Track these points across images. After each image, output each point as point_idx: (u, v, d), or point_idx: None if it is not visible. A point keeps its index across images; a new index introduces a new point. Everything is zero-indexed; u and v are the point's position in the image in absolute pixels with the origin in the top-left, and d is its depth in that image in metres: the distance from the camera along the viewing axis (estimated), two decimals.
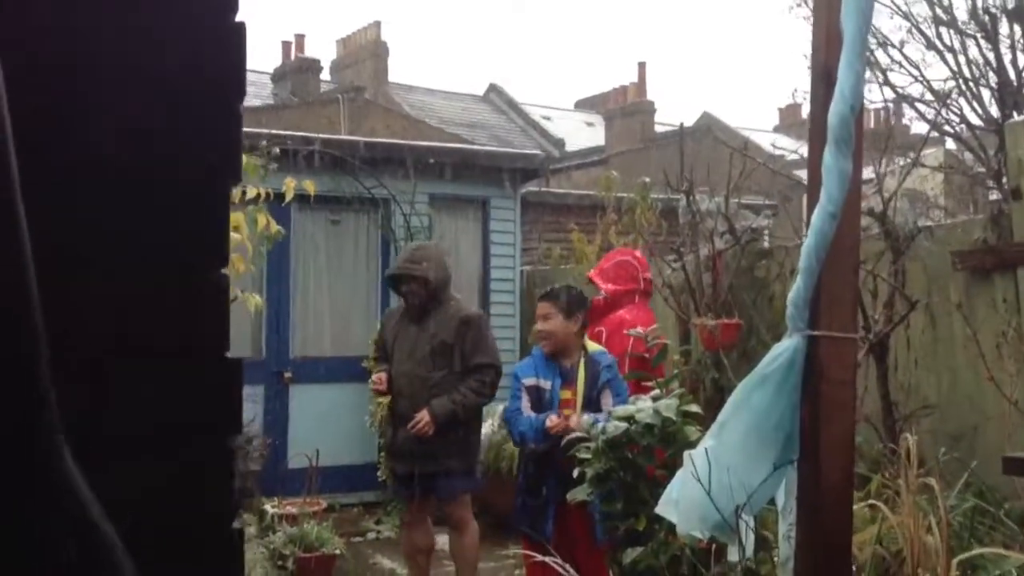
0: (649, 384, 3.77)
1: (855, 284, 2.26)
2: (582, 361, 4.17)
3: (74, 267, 0.79)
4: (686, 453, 2.37)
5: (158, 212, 0.80)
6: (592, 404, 3.99)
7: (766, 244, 7.00)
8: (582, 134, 25.06)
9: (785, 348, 2.21)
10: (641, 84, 24.54)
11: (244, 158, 3.63)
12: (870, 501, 3.14)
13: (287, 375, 7.11)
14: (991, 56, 14.48)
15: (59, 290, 0.73)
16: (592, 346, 4.29)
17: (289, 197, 4.19)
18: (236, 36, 0.81)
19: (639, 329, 4.06)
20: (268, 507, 5.73)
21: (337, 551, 5.23)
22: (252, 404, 6.36)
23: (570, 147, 22.92)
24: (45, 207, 0.71)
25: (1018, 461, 2.68)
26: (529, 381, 4.22)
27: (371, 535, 6.51)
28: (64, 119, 0.75)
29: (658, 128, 22.65)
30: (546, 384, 4.17)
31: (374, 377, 4.88)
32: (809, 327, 2.18)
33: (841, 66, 2.17)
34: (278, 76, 20.72)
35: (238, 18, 0.82)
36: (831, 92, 2.18)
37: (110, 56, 0.76)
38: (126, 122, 0.77)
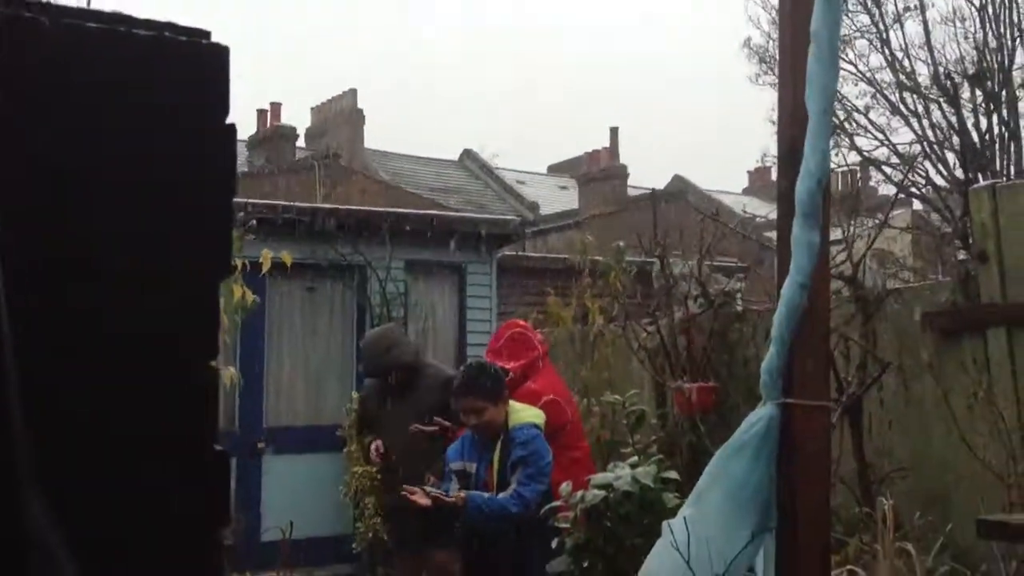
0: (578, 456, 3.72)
1: (827, 352, 2.30)
2: (501, 439, 3.97)
3: (68, 359, 0.80)
4: (664, 523, 2.37)
5: (154, 308, 0.82)
6: (506, 485, 3.83)
7: (739, 307, 7.06)
8: (556, 198, 25.35)
9: (760, 417, 2.24)
10: (613, 148, 24.95)
11: None
12: (848, 567, 3.15)
13: (260, 445, 7.02)
14: (954, 120, 14.98)
15: (55, 377, 0.75)
16: (517, 417, 4.03)
17: (266, 268, 4.21)
18: (228, 138, 0.85)
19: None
20: None
21: None
22: None
23: (545, 211, 23.15)
24: (45, 300, 0.73)
25: (993, 524, 2.70)
26: (456, 466, 4.06)
27: None
28: (67, 222, 0.77)
29: (631, 191, 22.97)
30: (471, 467, 4.00)
31: (373, 447, 5.08)
32: (783, 395, 2.22)
33: (807, 143, 2.25)
34: (254, 144, 20.88)
35: (229, 120, 0.85)
36: (798, 167, 2.25)
37: (112, 162, 0.79)
38: (126, 224, 0.80)
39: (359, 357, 7.75)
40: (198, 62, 0.84)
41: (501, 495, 3.80)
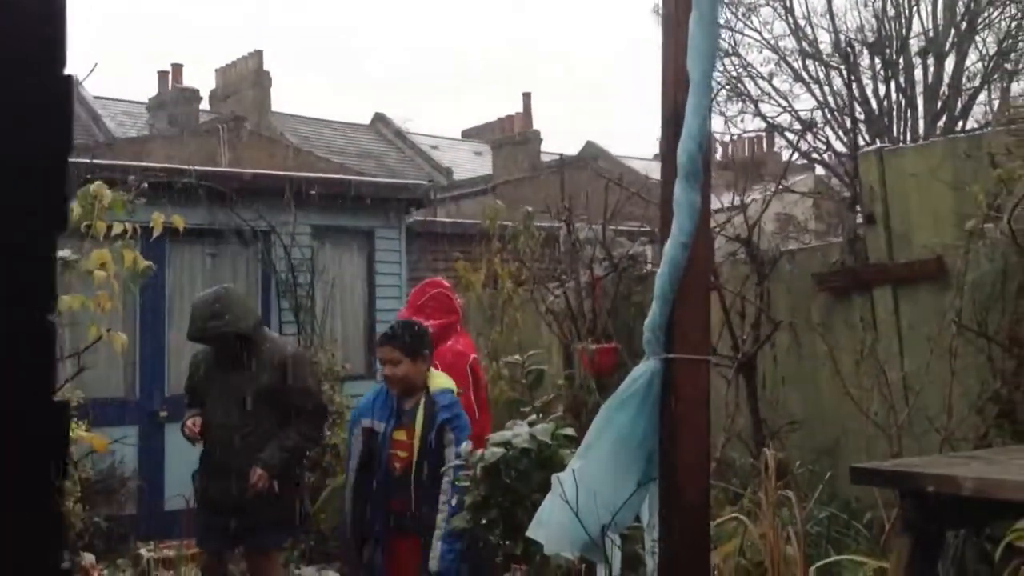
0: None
1: (707, 309, 2.39)
2: (422, 401, 3.99)
3: None
4: (554, 476, 2.44)
5: None
6: (429, 445, 3.86)
7: (648, 268, 7.22)
8: (470, 163, 25.27)
9: (643, 371, 2.32)
10: (527, 114, 24.97)
11: (110, 194, 3.55)
12: (733, 514, 3.29)
13: (162, 414, 6.88)
14: (854, 87, 15.45)
15: None
16: (436, 383, 4.10)
17: (157, 232, 4.09)
18: (64, 89, 0.84)
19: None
20: (144, 551, 5.54)
21: None
22: (124, 445, 6.13)
23: (458, 176, 23.08)
24: None
25: (865, 471, 2.86)
26: (365, 423, 4.05)
27: None
28: None
29: (544, 157, 23.05)
30: (379, 426, 4.00)
31: (188, 422, 4.47)
32: (665, 350, 2.30)
33: (688, 107, 2.31)
34: (155, 106, 20.21)
35: (66, 71, 0.84)
36: (680, 131, 2.31)
37: None
38: None
39: (264, 321, 7.65)
40: (32, 8, 0.82)
41: (441, 515, 3.74)
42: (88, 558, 3.91)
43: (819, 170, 17.58)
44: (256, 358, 4.46)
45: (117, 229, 3.73)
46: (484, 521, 3.32)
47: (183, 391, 4.84)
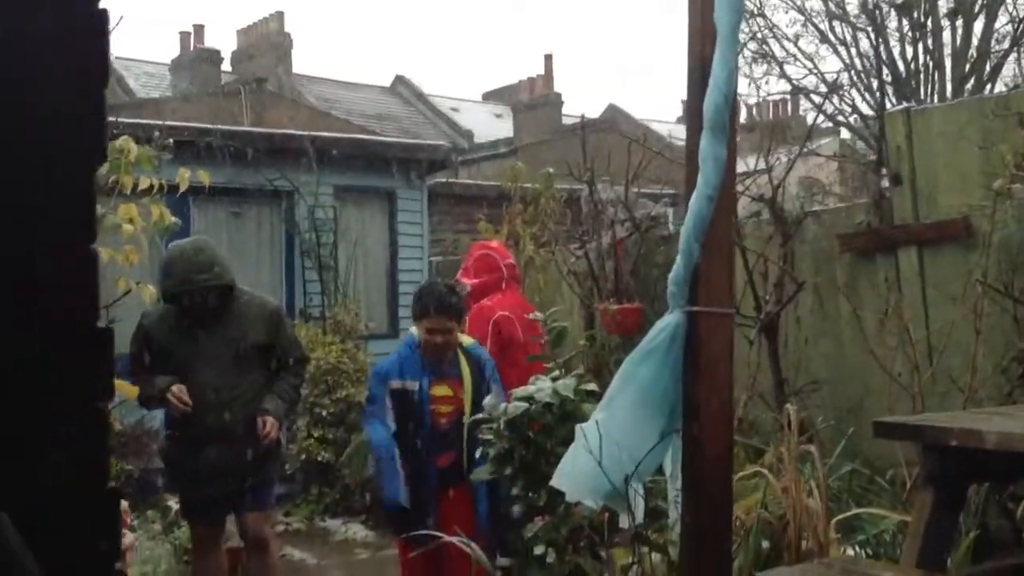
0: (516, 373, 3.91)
1: (731, 262, 2.38)
2: (462, 357, 3.96)
3: None
4: (578, 427, 2.46)
5: (28, 192, 0.83)
6: (482, 396, 3.75)
7: (670, 230, 7.19)
8: (491, 125, 25.16)
9: (667, 323, 2.32)
10: (548, 76, 24.77)
11: (136, 149, 3.57)
12: (755, 468, 3.31)
13: None
14: (881, 48, 15.18)
15: None
16: (465, 340, 4.07)
17: (183, 188, 4.09)
18: (99, 22, 0.85)
19: (537, 314, 4.09)
20: (173, 503, 5.64)
21: (243, 544, 5.17)
22: None
23: (479, 139, 22.99)
24: None
25: (888, 425, 2.86)
26: (395, 384, 3.91)
27: (280, 527, 6.47)
28: None
29: (565, 120, 22.90)
30: (413, 385, 3.87)
31: (174, 388, 3.94)
32: (688, 303, 2.30)
33: (715, 59, 2.28)
34: (177, 67, 20.25)
35: (101, 5, 0.86)
36: (707, 84, 2.29)
37: None
38: None
39: (288, 280, 7.71)
40: None
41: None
42: (122, 504, 3.98)
43: (844, 133, 17.37)
44: (236, 313, 4.12)
45: (144, 184, 3.75)
46: (507, 472, 3.36)
47: (135, 354, 4.14)
